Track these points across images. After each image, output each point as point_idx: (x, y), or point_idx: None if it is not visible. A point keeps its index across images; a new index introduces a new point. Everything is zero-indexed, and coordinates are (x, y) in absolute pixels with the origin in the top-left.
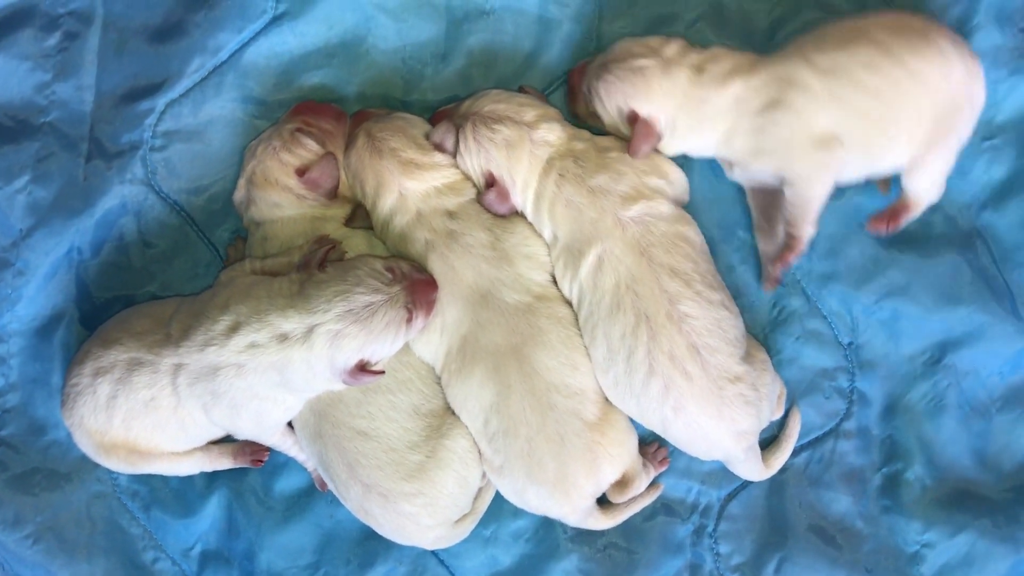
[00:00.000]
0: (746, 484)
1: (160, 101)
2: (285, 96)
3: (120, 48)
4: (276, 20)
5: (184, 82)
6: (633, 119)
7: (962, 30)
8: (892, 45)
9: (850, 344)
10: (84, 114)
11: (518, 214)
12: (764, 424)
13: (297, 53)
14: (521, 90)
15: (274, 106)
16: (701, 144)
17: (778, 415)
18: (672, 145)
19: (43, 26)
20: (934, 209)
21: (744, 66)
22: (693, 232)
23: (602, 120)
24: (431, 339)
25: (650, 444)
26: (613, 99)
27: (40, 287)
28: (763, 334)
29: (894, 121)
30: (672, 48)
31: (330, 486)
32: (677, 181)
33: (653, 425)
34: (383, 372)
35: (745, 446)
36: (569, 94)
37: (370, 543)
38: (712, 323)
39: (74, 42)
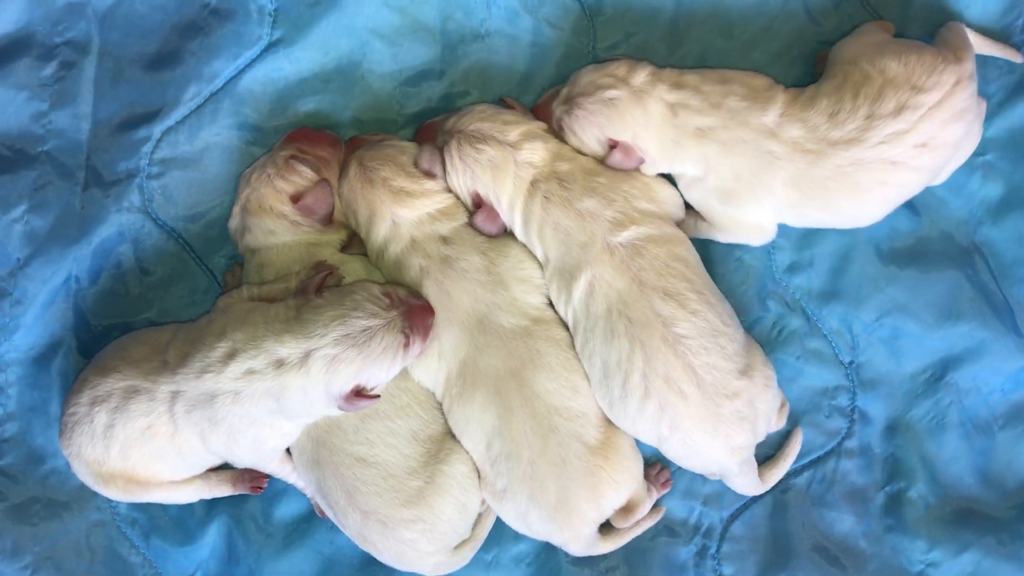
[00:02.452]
0: (748, 504)
1: (156, 129)
2: (281, 122)
3: (116, 77)
4: (271, 47)
5: (180, 110)
6: (613, 145)
7: None
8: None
9: (851, 363)
10: (81, 143)
11: (512, 237)
12: (760, 438)
13: (292, 79)
14: (504, 103)
15: (270, 132)
16: (672, 171)
17: (778, 427)
18: (651, 168)
19: (40, 56)
20: (932, 225)
21: (726, 138)
22: (686, 250)
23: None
24: (429, 365)
25: (652, 466)
26: (588, 132)
27: (38, 316)
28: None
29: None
30: (640, 76)
31: (328, 513)
32: (668, 200)
33: (649, 441)
34: (378, 396)
35: (739, 460)
36: None
37: (371, 569)
38: (709, 341)
39: (71, 71)
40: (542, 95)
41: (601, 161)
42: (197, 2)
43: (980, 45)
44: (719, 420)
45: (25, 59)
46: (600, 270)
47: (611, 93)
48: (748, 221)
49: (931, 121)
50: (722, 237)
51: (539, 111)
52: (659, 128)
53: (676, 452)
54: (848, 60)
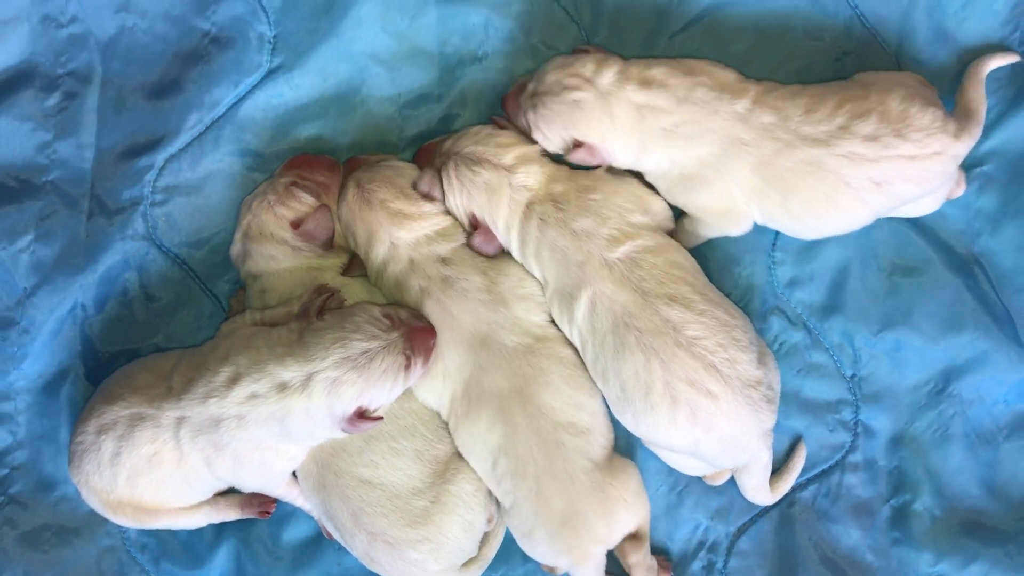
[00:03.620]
0: (755, 519)
1: (159, 157)
2: (282, 148)
3: (119, 106)
4: (271, 73)
5: (182, 137)
6: (578, 145)
7: (950, 56)
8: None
9: (853, 376)
10: (85, 172)
11: (512, 256)
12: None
13: (293, 105)
14: (493, 121)
15: (271, 158)
16: (646, 167)
17: None
18: (623, 164)
19: (43, 87)
20: (931, 237)
21: (692, 132)
22: (682, 256)
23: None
24: (434, 385)
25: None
26: (554, 130)
27: (45, 344)
28: None
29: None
30: (607, 76)
31: (335, 535)
32: (660, 212)
33: (683, 449)
34: (382, 418)
35: (769, 444)
36: (508, 120)
37: None
38: (723, 337)
39: (74, 101)
40: (511, 88)
41: (564, 156)
42: (197, 31)
43: (997, 60)
44: (752, 409)
45: (29, 90)
46: (600, 286)
47: (577, 95)
48: (716, 206)
49: (894, 167)
50: (702, 230)
51: (507, 102)
52: (625, 132)
53: (711, 451)
54: (862, 81)
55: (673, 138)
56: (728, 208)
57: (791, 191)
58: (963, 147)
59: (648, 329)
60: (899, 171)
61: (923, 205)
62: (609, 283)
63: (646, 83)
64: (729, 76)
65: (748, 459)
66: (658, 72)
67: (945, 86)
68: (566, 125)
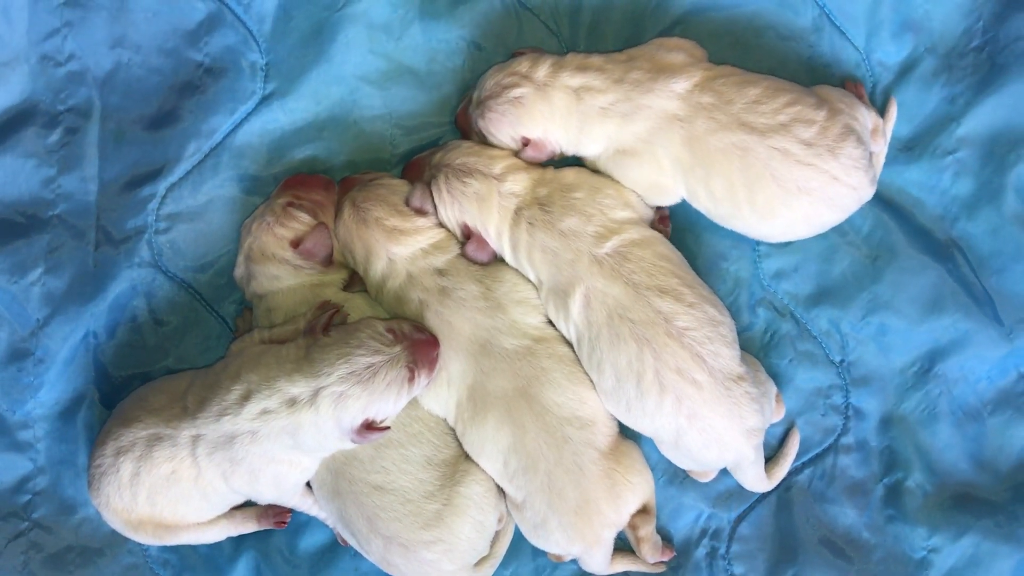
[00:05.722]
0: (754, 505)
1: (161, 186)
2: (279, 171)
3: (119, 138)
4: (265, 100)
5: (182, 166)
6: (526, 143)
7: (917, 48)
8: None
9: (841, 361)
10: (90, 204)
11: (505, 263)
12: (767, 423)
13: (288, 129)
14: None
15: (269, 181)
16: (586, 151)
17: (778, 416)
18: (568, 150)
19: (45, 124)
20: (910, 223)
21: (627, 109)
22: (667, 248)
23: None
24: (439, 393)
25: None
26: (503, 131)
27: (60, 372)
28: (756, 358)
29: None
30: (542, 69)
31: (351, 541)
32: (637, 205)
33: (668, 437)
34: (389, 428)
35: (755, 444)
36: (463, 136)
37: None
38: (711, 330)
39: (75, 136)
40: (459, 106)
41: (516, 154)
42: (191, 62)
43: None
44: (732, 402)
45: (31, 128)
46: (592, 282)
47: (516, 92)
48: (645, 179)
49: (820, 179)
50: (647, 198)
51: (459, 119)
52: (565, 117)
53: (694, 443)
54: (821, 94)
55: (610, 116)
56: (655, 181)
57: (715, 169)
58: (867, 197)
59: (641, 320)
60: (823, 186)
61: (795, 223)
62: (600, 278)
63: (582, 68)
64: (676, 58)
65: (734, 458)
66: (596, 59)
67: (915, 81)
68: (512, 124)
